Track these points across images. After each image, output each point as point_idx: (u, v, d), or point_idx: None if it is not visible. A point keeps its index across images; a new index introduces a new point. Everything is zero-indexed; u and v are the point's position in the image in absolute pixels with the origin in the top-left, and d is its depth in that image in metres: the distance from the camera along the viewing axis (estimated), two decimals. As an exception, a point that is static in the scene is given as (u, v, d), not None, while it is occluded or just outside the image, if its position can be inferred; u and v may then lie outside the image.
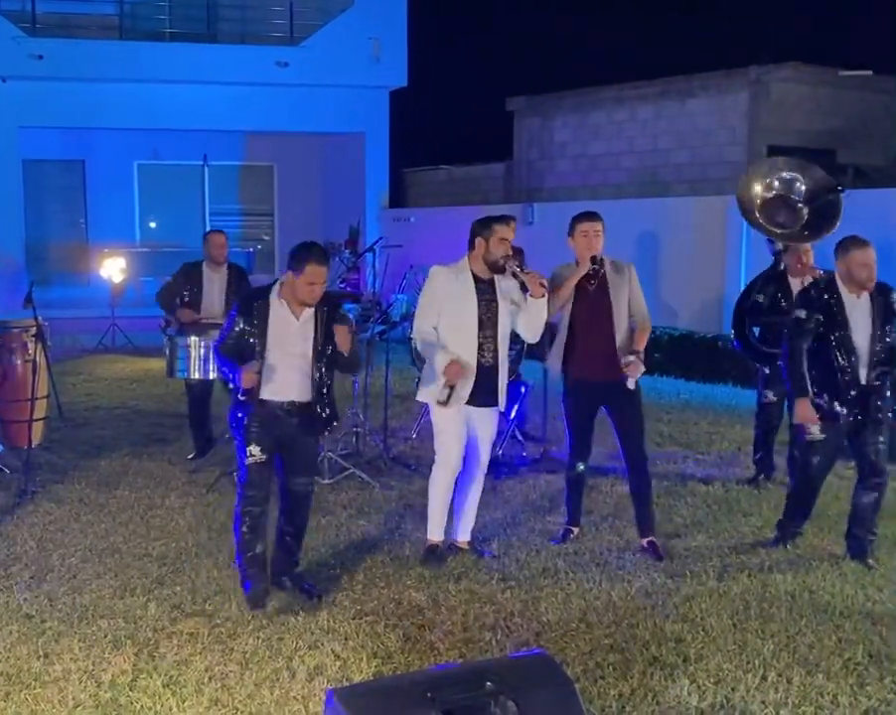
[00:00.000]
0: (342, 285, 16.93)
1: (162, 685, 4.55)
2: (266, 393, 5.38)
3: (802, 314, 6.09)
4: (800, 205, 7.81)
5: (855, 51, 19.06)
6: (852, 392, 5.98)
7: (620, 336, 6.13)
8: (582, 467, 6.39)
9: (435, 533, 6.06)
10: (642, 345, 6.19)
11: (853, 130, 17.73)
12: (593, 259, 6.08)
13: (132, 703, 4.40)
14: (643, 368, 6.11)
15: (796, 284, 7.41)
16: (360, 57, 18.21)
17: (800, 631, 5.11)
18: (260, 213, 21.32)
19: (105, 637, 5.03)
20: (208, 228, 21.16)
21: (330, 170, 20.91)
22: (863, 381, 5.99)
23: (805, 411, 6.06)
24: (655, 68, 18.68)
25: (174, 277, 8.50)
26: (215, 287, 8.38)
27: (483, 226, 5.84)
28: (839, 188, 7.83)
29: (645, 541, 6.30)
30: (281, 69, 17.96)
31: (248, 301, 5.47)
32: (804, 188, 7.85)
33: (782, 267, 7.63)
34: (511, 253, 5.82)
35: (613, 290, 6.15)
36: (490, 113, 21.75)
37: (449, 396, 5.77)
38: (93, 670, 4.69)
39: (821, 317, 6.02)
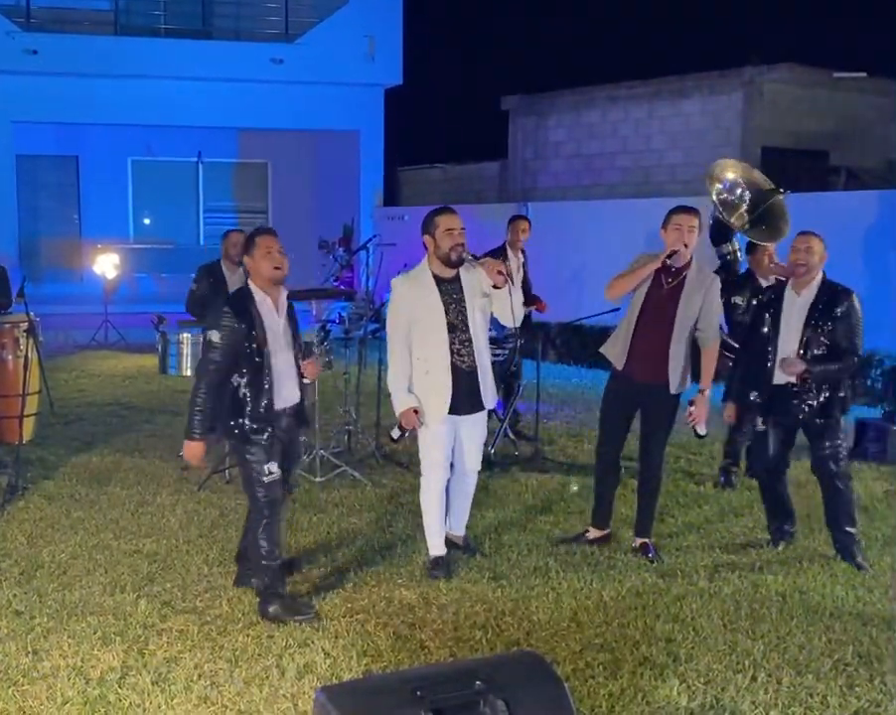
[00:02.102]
0: (335, 283, 16.94)
1: (151, 683, 4.52)
2: (279, 403, 5.26)
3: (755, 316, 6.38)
4: (743, 211, 7.99)
5: (850, 53, 19.10)
6: (777, 387, 6.05)
7: (676, 344, 5.94)
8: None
9: (436, 547, 5.90)
10: (708, 378, 5.99)
11: (847, 132, 17.76)
12: (671, 253, 5.87)
13: (121, 700, 4.38)
14: (705, 409, 5.95)
15: (763, 283, 7.64)
16: (355, 54, 18.21)
17: (790, 631, 5.11)
18: (254, 210, 21.28)
19: (95, 633, 5.01)
20: (201, 225, 21.42)
21: (324, 168, 20.90)
22: (788, 379, 6.00)
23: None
24: (649, 68, 18.72)
25: (196, 283, 8.40)
26: (236, 286, 8.34)
27: (428, 223, 5.62)
28: (781, 190, 7.97)
29: (639, 542, 6.27)
30: (276, 65, 17.95)
31: (240, 303, 5.20)
32: (747, 194, 8.05)
33: (743, 269, 7.81)
34: (462, 243, 5.56)
35: (686, 295, 5.94)
36: (484, 112, 21.77)
37: (401, 437, 5.84)
38: (82, 667, 4.66)
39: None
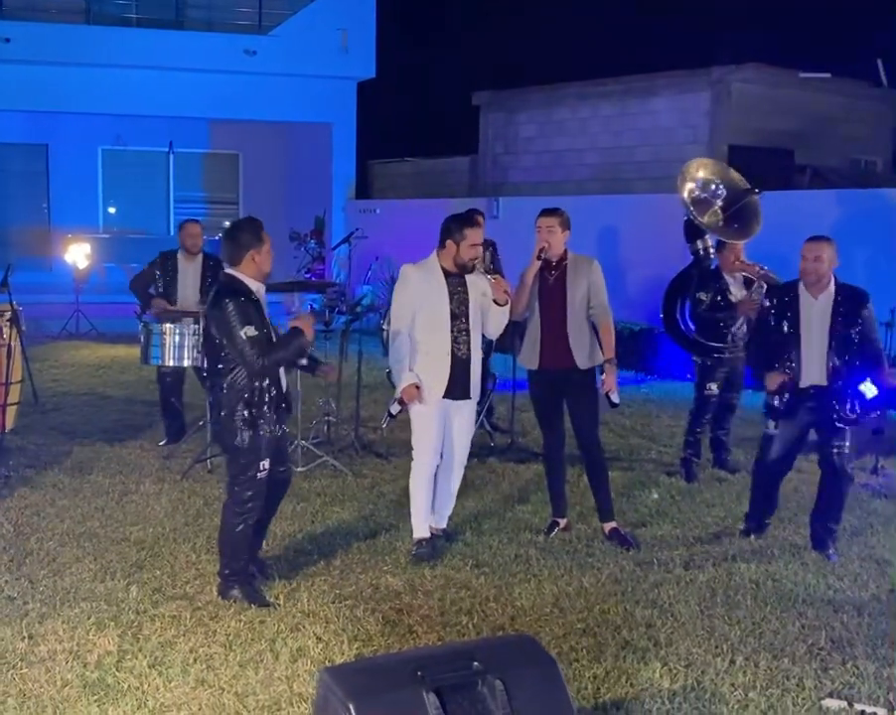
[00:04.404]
0: (307, 275, 17.00)
1: (148, 666, 4.63)
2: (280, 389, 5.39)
3: (767, 316, 6.37)
4: (717, 208, 8.19)
5: (815, 54, 19.38)
6: (802, 390, 6.16)
7: (571, 323, 6.32)
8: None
9: (421, 529, 6.10)
10: (610, 350, 6.33)
11: (812, 131, 18.02)
12: (539, 254, 6.28)
13: (119, 683, 4.48)
14: (616, 378, 6.29)
15: (731, 280, 7.85)
16: (328, 47, 18.19)
17: (765, 617, 5.29)
18: (225, 201, 21.22)
19: (89, 618, 5.10)
20: (172, 215, 21.34)
21: (296, 160, 20.89)
22: (816, 381, 6.13)
23: (774, 379, 6.20)
24: (619, 66, 18.87)
25: (149, 265, 8.58)
26: (189, 277, 8.45)
27: (455, 230, 5.92)
28: (756, 190, 8.18)
29: (608, 528, 6.46)
30: (249, 57, 17.91)
31: (248, 295, 5.24)
32: (722, 192, 8.25)
33: (713, 265, 7.98)
34: (480, 257, 6.01)
35: (570, 281, 6.33)
36: (456, 107, 21.84)
37: (399, 412, 6.05)
38: (79, 651, 4.76)
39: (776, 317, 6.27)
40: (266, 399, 5.27)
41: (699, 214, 8.16)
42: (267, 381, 5.27)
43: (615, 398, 6.26)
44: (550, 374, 6.41)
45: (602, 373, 6.32)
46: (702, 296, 7.84)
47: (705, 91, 17.58)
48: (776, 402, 6.27)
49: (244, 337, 5.10)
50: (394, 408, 6.04)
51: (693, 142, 17.36)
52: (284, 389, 5.44)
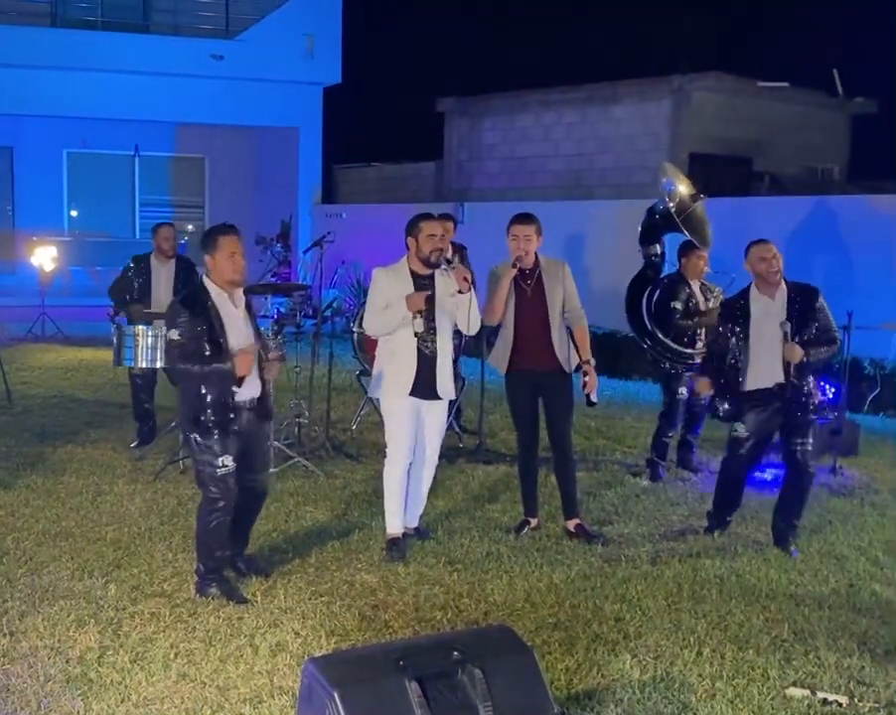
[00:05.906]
0: (273, 279, 17.05)
1: (129, 661, 4.70)
2: (238, 396, 5.41)
3: (721, 327, 6.59)
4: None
5: (773, 63, 19.73)
6: (751, 393, 6.36)
7: (554, 328, 6.46)
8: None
9: (393, 526, 6.22)
10: (587, 350, 6.51)
11: (769, 139, 18.38)
12: (515, 263, 6.37)
13: (102, 678, 4.55)
14: (595, 377, 6.47)
15: (696, 286, 8.06)
16: (294, 52, 18.30)
17: (730, 611, 5.46)
18: (191, 204, 21.23)
19: (69, 616, 5.16)
20: (137, 219, 21.31)
21: (262, 164, 20.95)
22: (777, 379, 6.30)
23: (703, 386, 6.73)
24: (581, 73, 19.12)
25: (125, 272, 8.63)
26: (161, 279, 8.51)
27: (412, 226, 6.11)
28: (701, 195, 8.38)
29: (572, 525, 6.62)
30: (215, 61, 17.95)
31: (196, 300, 5.40)
32: (674, 201, 8.43)
33: (676, 272, 8.18)
34: (441, 248, 6.10)
35: (548, 288, 6.47)
36: (420, 113, 21.99)
37: (425, 324, 5.99)
38: (60, 647, 4.82)
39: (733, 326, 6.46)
40: (207, 403, 5.34)
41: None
42: (206, 388, 5.33)
43: (595, 398, 6.46)
44: (530, 376, 6.52)
45: (585, 376, 6.45)
46: (677, 305, 7.99)
47: (666, 99, 17.86)
48: (720, 412, 6.55)
49: (168, 338, 5.41)
50: (419, 326, 5.94)
51: (654, 149, 17.62)
52: (243, 397, 5.44)
